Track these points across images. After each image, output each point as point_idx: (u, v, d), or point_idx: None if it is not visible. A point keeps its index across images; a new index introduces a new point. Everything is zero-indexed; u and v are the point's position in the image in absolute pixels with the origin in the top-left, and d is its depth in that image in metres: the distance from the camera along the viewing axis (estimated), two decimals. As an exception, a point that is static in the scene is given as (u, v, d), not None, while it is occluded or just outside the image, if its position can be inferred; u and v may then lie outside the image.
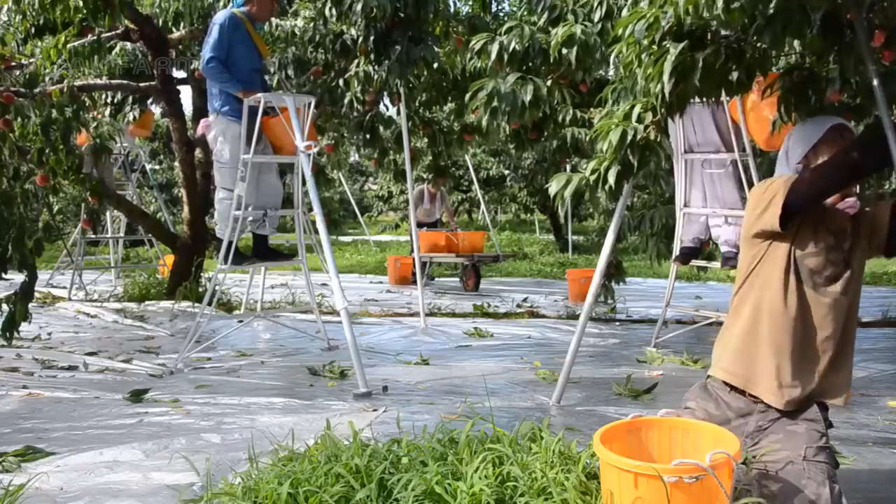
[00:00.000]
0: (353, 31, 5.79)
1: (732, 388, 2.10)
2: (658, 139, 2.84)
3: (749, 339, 2.08)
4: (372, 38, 5.50)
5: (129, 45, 7.18)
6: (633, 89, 2.98)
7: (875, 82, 2.32)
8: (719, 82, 2.52)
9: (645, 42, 2.48)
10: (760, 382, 2.05)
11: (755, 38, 2.47)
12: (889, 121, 2.35)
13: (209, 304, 4.97)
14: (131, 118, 7.98)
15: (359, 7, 5.17)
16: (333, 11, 5.40)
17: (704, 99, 2.70)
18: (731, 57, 2.48)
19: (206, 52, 4.70)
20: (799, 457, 1.89)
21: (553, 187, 3.18)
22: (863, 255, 2.11)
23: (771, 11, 2.30)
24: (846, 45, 2.55)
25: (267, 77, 5.34)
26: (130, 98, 7.92)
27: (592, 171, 2.98)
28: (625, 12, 2.81)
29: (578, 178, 3.11)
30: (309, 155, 4.44)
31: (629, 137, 2.80)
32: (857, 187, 2.18)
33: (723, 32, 2.50)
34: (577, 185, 3.09)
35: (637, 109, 2.79)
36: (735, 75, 2.52)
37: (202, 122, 5.05)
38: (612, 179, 2.90)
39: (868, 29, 2.46)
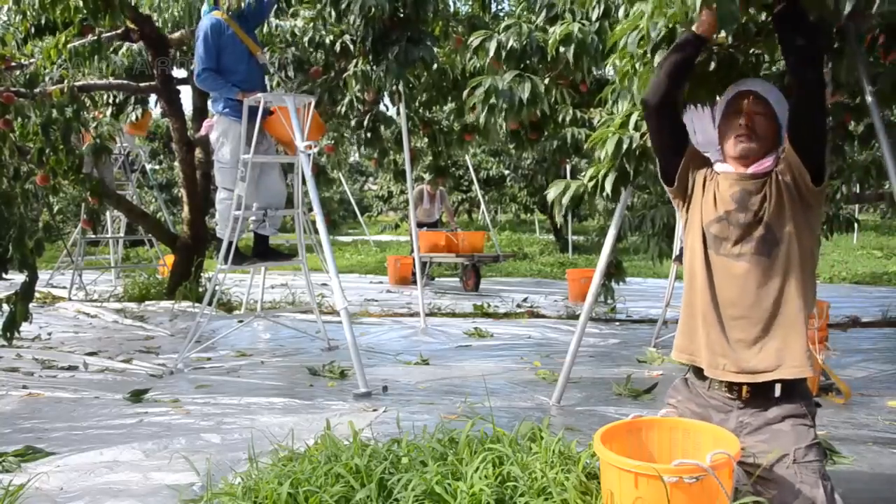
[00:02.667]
0: (352, 32, 5.78)
1: (709, 379, 2.02)
2: None
3: (687, 311, 2.07)
4: (370, 38, 5.50)
5: (134, 46, 7.17)
6: (631, 89, 2.99)
7: (866, 86, 2.33)
8: (713, 89, 2.52)
9: (639, 52, 2.49)
10: (701, 354, 2.02)
11: (747, 45, 2.47)
12: (880, 122, 2.35)
13: (209, 304, 4.97)
14: (133, 118, 7.98)
15: (357, 7, 5.16)
16: (332, 12, 5.39)
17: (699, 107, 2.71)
18: (723, 64, 2.48)
19: (197, 66, 4.71)
20: (789, 458, 1.86)
21: (551, 194, 3.20)
22: (791, 211, 1.94)
23: (762, 19, 2.31)
24: (837, 50, 2.55)
25: (266, 77, 5.32)
26: (132, 98, 7.92)
27: (590, 179, 3.00)
28: (621, 12, 2.81)
29: (576, 184, 3.13)
30: (309, 155, 4.44)
31: (625, 146, 2.81)
32: (773, 155, 2.01)
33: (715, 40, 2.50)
34: (574, 191, 3.11)
35: (634, 117, 2.80)
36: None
37: (205, 122, 5.05)
38: (609, 187, 2.92)
39: (857, 34, 2.47)
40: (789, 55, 1.98)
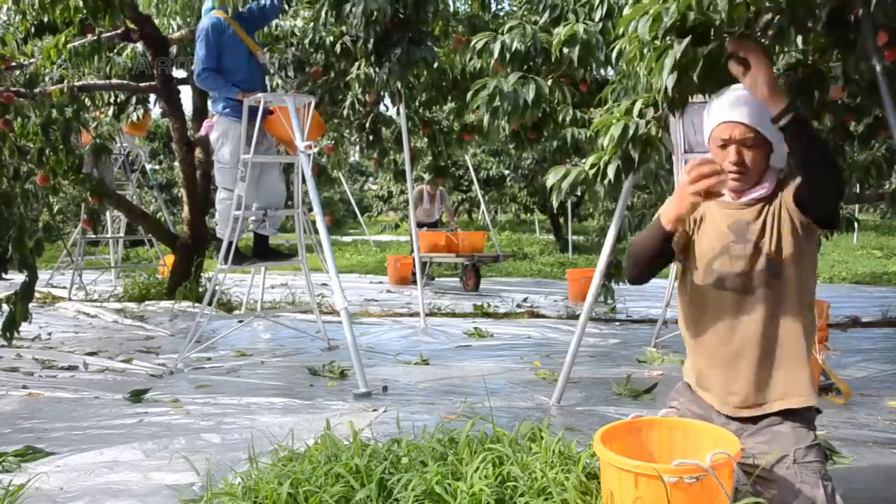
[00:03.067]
0: (352, 33, 5.78)
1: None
2: (659, 135, 2.83)
3: (695, 349, 2.06)
4: (372, 39, 5.49)
5: (139, 47, 7.16)
6: (636, 87, 2.97)
7: (880, 79, 2.31)
8: (721, 81, 2.51)
9: (647, 37, 2.47)
10: (711, 389, 2.02)
11: (759, 33, 2.46)
12: (893, 118, 2.33)
13: (209, 304, 4.97)
14: (135, 118, 7.98)
15: (359, 10, 5.16)
16: (332, 18, 5.39)
17: (706, 96, 2.69)
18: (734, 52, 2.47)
19: (197, 66, 4.71)
20: (789, 459, 1.85)
21: (550, 179, 3.17)
22: (792, 240, 1.89)
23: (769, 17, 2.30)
24: (849, 42, 2.54)
25: (266, 77, 5.32)
26: (134, 98, 7.91)
27: (592, 166, 2.98)
28: (626, 10, 2.81)
29: (577, 171, 3.10)
30: (309, 155, 4.44)
31: (630, 132, 2.80)
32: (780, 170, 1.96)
33: (727, 28, 2.49)
34: (575, 177, 3.09)
35: (639, 104, 2.79)
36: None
37: (205, 122, 5.06)
38: (611, 174, 2.89)
39: (873, 27, 2.46)
40: (799, 161, 1.85)
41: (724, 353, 1.97)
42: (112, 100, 7.80)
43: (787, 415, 1.93)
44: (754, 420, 1.97)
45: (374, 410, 3.60)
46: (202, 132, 5.12)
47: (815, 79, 2.78)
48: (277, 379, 4.37)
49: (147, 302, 7.26)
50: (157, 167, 17.50)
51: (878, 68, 2.34)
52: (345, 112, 6.45)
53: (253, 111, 4.56)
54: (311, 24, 6.09)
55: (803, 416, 1.94)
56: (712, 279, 1.97)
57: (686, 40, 2.28)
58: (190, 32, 6.72)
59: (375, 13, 5.14)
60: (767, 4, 2.25)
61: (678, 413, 2.10)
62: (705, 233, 2.00)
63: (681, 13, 2.25)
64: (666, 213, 1.90)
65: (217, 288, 5.31)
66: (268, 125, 4.76)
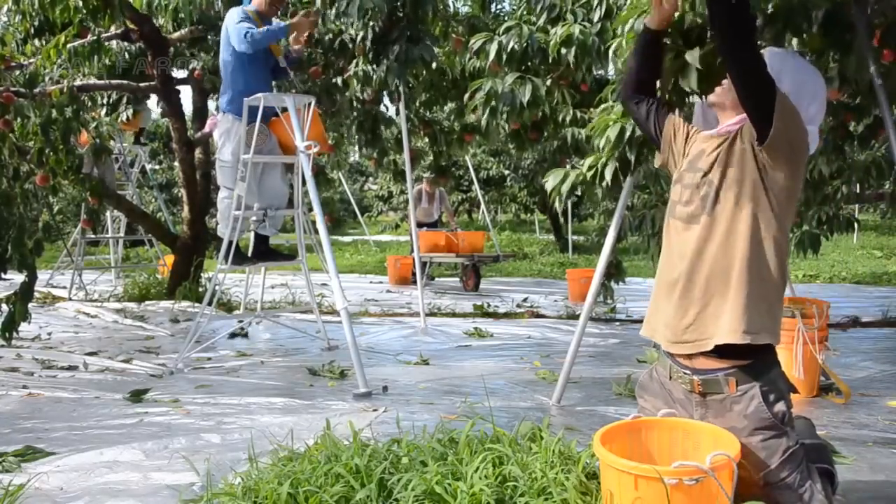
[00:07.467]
0: (351, 31, 5.78)
1: (669, 366, 1.99)
2: None
3: (656, 282, 2.08)
4: (370, 37, 5.49)
5: (114, 44, 7.07)
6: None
7: (877, 81, 2.32)
8: (718, 80, 2.51)
9: None
10: (658, 327, 2.00)
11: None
12: (890, 118, 2.34)
13: (209, 304, 4.97)
14: (124, 118, 7.95)
15: (354, 8, 5.15)
16: (331, 12, 5.38)
17: (704, 97, 2.69)
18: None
19: (239, 35, 4.47)
20: (760, 481, 1.83)
21: (550, 182, 3.18)
22: (739, 173, 1.85)
23: (771, 10, 2.30)
24: (846, 44, 2.55)
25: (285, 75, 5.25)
26: (125, 98, 7.89)
27: (590, 168, 2.99)
28: (625, 10, 2.81)
29: (575, 173, 3.11)
30: (309, 155, 4.43)
31: (627, 134, 2.81)
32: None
33: None
34: (573, 180, 3.10)
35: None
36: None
37: (210, 118, 5.03)
38: (608, 176, 2.91)
39: (868, 28, 2.46)
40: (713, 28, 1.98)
41: (668, 281, 1.97)
42: (104, 101, 7.78)
43: (744, 391, 1.85)
44: (704, 390, 1.91)
45: (374, 410, 3.60)
46: (206, 128, 5.10)
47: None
48: (277, 379, 4.37)
49: (147, 302, 7.26)
50: (157, 167, 17.50)
51: (873, 69, 2.35)
52: (343, 110, 6.44)
53: (253, 111, 4.56)
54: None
55: (765, 381, 1.85)
56: (671, 207, 2.02)
57: (679, 43, 2.29)
58: (189, 32, 6.71)
59: (371, 11, 5.12)
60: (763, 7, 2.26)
61: (647, 411, 2.07)
62: (681, 162, 2.06)
63: (678, 14, 2.26)
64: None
65: (217, 288, 5.31)
66: (274, 130, 4.76)
